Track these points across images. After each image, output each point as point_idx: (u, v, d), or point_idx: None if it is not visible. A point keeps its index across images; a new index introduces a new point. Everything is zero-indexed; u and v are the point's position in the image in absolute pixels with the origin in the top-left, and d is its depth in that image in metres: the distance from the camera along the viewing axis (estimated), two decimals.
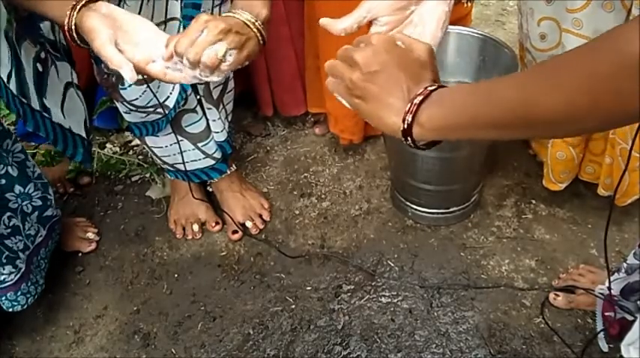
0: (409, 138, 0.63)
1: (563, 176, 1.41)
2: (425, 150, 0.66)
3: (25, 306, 1.30)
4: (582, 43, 0.56)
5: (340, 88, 0.70)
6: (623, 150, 1.25)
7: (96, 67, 1.23)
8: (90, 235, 1.54)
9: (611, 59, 0.47)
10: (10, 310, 1.29)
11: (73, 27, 0.88)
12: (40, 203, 1.30)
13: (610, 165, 1.32)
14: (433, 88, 0.62)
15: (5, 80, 1.03)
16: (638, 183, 1.31)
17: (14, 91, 1.06)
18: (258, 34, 0.96)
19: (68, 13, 0.87)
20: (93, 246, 1.53)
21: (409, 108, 0.61)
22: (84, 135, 1.28)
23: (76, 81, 1.26)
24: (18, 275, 1.25)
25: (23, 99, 1.09)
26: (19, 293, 1.27)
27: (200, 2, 1.14)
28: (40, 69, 1.14)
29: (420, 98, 0.61)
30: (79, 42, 0.90)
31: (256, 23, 0.95)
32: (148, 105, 1.27)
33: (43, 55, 1.13)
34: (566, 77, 0.50)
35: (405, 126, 0.62)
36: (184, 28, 1.15)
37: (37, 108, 1.13)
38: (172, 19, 1.15)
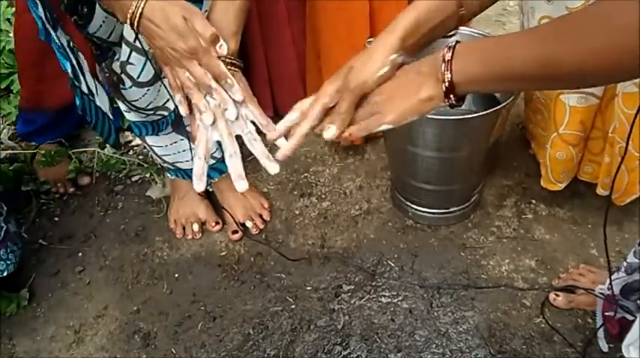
0: (452, 97, 0.66)
1: (563, 176, 1.41)
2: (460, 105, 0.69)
3: (16, 265, 1.35)
4: None
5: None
6: (622, 149, 1.25)
7: (98, 65, 1.23)
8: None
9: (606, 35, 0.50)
10: (5, 273, 1.33)
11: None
12: None
13: (609, 164, 1.33)
14: (453, 44, 0.66)
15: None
16: (638, 183, 1.31)
17: (71, 75, 1.09)
18: (234, 70, 0.94)
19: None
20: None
21: (444, 68, 0.65)
22: (112, 119, 1.31)
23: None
24: (2, 233, 1.29)
25: (76, 83, 1.10)
26: (8, 250, 1.31)
27: (200, 6, 1.14)
28: (74, 56, 1.15)
29: (449, 54, 0.65)
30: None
31: (227, 66, 0.93)
32: (149, 107, 1.27)
33: (71, 44, 1.14)
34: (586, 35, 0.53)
35: (447, 84, 0.65)
36: None
37: (86, 91, 1.14)
38: None
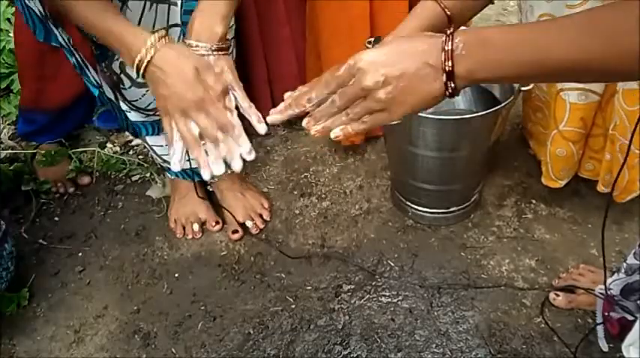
0: (451, 85, 0.63)
1: (563, 173, 1.41)
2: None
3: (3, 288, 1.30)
4: None
5: (345, 120, 0.71)
6: (623, 146, 1.25)
7: (98, 65, 1.23)
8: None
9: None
10: None
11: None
12: None
13: (609, 161, 1.33)
14: (451, 31, 0.63)
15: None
16: (638, 180, 1.31)
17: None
18: (219, 54, 0.94)
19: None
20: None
21: (444, 58, 0.62)
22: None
23: None
24: None
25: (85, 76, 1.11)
26: None
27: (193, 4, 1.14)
28: (78, 54, 1.15)
29: (448, 46, 0.62)
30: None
31: (214, 52, 0.94)
32: (148, 107, 1.27)
33: (71, 41, 1.14)
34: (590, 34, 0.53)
35: (446, 78, 0.63)
36: (184, 34, 1.15)
37: (95, 83, 1.15)
38: (174, 25, 1.15)
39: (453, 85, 0.63)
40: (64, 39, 1.08)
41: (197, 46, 0.95)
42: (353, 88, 0.69)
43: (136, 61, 0.90)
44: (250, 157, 0.89)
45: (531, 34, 0.59)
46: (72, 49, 1.11)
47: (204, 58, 0.93)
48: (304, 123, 0.75)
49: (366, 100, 0.68)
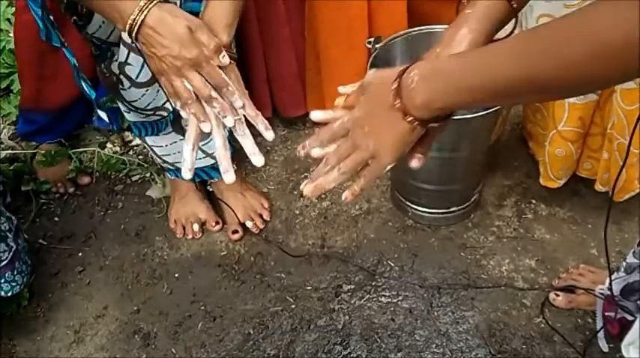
0: (416, 122, 0.64)
1: (562, 173, 1.41)
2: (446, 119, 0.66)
3: (23, 286, 1.30)
4: None
5: (337, 175, 0.74)
6: (621, 145, 1.25)
7: (97, 66, 1.23)
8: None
9: (588, 48, 0.48)
10: (10, 293, 1.29)
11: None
12: (1, 188, 1.30)
13: (607, 160, 1.33)
14: (403, 69, 0.64)
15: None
16: (636, 179, 1.31)
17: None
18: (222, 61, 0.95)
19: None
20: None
21: (394, 95, 0.63)
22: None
23: None
24: (11, 254, 1.25)
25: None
26: (15, 272, 1.28)
27: (198, 10, 1.14)
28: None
29: (395, 85, 0.63)
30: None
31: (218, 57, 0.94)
32: (148, 107, 1.27)
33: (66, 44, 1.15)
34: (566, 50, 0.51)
35: (402, 112, 0.63)
36: None
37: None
38: None
39: (410, 119, 0.64)
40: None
41: None
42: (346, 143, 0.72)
43: (128, 23, 0.90)
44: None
45: (480, 58, 0.59)
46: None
47: (193, 17, 0.93)
48: (302, 187, 0.78)
49: (354, 152, 0.71)
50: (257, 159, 0.97)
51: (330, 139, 0.74)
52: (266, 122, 0.98)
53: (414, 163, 0.74)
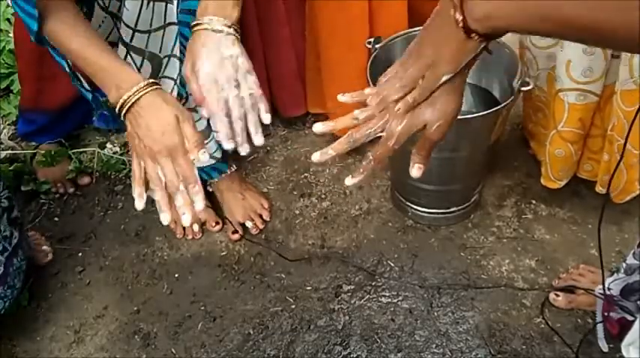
0: (474, 35, 0.61)
1: (562, 173, 1.41)
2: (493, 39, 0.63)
3: (2, 311, 1.26)
4: None
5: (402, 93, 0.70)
6: (621, 147, 1.25)
7: None
8: (45, 248, 1.51)
9: None
10: None
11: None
12: (7, 203, 1.26)
13: (608, 162, 1.33)
14: None
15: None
16: (637, 180, 1.31)
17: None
18: (236, 35, 0.95)
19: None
20: (50, 257, 1.51)
21: (454, 9, 0.60)
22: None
23: None
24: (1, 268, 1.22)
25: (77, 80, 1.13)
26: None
27: (195, 9, 1.14)
28: None
29: None
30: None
31: (231, 28, 0.95)
32: None
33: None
34: None
35: (461, 23, 0.60)
36: (181, 33, 1.15)
37: (88, 87, 1.16)
38: (170, 23, 1.15)
39: (464, 23, 0.61)
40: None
41: (211, 20, 0.95)
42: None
43: (122, 99, 0.92)
44: (189, 218, 0.93)
45: None
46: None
47: (183, 108, 0.94)
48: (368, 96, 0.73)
49: (417, 62, 0.67)
50: (257, 138, 0.96)
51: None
52: (267, 105, 0.98)
53: (415, 172, 0.74)
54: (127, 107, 0.92)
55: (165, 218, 0.92)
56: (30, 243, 1.45)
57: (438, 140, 0.72)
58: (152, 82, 0.93)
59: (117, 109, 0.93)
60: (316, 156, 0.73)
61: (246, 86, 0.96)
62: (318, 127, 0.76)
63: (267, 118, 0.97)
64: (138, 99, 0.91)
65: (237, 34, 0.96)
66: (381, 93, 0.71)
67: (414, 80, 0.68)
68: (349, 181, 0.74)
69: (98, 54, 0.94)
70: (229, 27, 0.95)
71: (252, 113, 0.96)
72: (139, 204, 0.93)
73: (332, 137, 0.75)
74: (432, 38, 0.66)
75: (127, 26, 1.12)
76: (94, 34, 0.97)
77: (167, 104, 0.92)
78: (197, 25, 0.96)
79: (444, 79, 0.67)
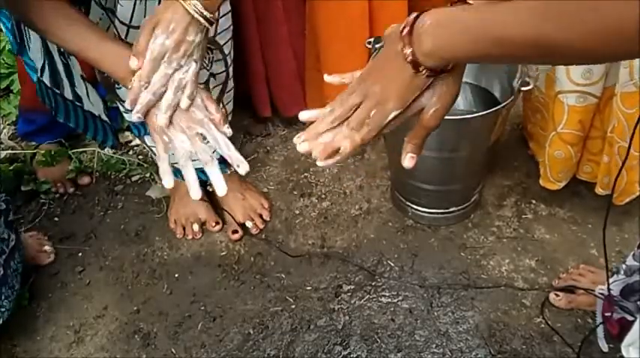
0: (422, 69, 0.62)
1: (561, 175, 1.41)
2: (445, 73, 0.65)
3: (6, 315, 1.26)
4: None
5: (347, 131, 0.73)
6: (621, 149, 1.25)
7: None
8: (47, 248, 1.51)
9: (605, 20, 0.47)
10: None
11: None
12: (4, 206, 1.25)
13: (607, 163, 1.33)
14: (414, 17, 0.62)
15: (39, 73, 1.05)
16: (637, 182, 1.31)
17: (47, 83, 1.07)
18: (202, 21, 0.91)
19: None
20: (52, 257, 1.51)
21: (403, 44, 0.61)
22: (109, 121, 1.32)
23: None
24: None
25: (56, 90, 1.10)
26: (2, 297, 1.24)
27: None
28: (65, 61, 1.15)
29: (407, 29, 0.61)
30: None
31: (203, 13, 0.91)
32: None
33: (62, 49, 1.14)
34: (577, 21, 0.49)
35: (410, 57, 0.61)
36: None
37: (70, 97, 1.14)
38: None
39: (418, 66, 0.62)
40: (38, 45, 1.09)
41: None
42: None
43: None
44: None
45: (495, 13, 0.56)
46: (60, 54, 1.12)
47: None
48: (314, 154, 0.77)
49: (363, 102, 0.68)
50: (243, 167, 0.97)
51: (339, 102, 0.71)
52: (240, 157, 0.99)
53: (407, 162, 0.73)
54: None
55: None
56: (28, 245, 1.45)
57: (434, 127, 0.72)
58: None
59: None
60: (319, 164, 0.76)
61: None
62: (304, 115, 0.78)
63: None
64: None
65: (206, 22, 0.92)
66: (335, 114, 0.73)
67: (359, 122, 0.70)
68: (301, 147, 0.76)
69: (96, 41, 0.93)
70: (200, 13, 0.90)
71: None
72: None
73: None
74: (380, 74, 0.67)
75: (122, 22, 1.12)
76: (91, 25, 0.96)
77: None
78: None
79: (392, 116, 0.68)
